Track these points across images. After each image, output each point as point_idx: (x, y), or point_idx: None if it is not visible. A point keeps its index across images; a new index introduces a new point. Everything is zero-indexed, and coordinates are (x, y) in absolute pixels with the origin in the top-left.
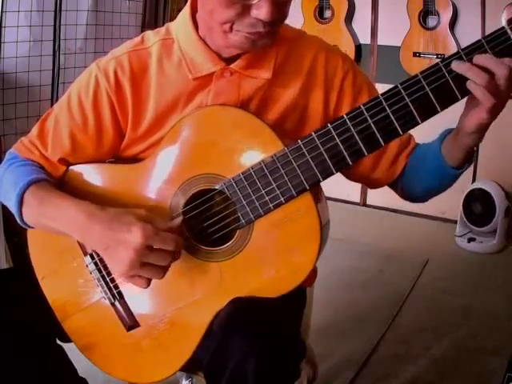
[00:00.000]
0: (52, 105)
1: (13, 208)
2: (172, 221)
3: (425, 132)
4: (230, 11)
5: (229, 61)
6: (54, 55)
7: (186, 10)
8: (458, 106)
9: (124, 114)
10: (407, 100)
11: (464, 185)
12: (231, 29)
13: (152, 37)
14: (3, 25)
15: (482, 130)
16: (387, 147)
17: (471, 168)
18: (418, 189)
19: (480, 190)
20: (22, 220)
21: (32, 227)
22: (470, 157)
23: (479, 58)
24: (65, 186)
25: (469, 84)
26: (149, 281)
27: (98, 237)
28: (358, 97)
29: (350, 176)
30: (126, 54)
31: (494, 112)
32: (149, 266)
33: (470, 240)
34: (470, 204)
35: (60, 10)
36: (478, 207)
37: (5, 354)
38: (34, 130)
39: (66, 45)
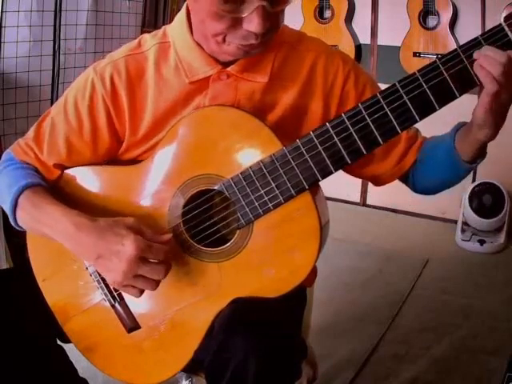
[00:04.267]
0: (52, 105)
1: (7, 211)
2: (161, 235)
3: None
4: (221, 24)
5: (225, 64)
6: (53, 55)
7: (183, 13)
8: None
9: (120, 119)
10: (405, 98)
11: (464, 185)
12: (224, 40)
13: (149, 40)
14: (3, 25)
15: (490, 119)
16: (396, 142)
17: None
18: (431, 183)
19: (488, 183)
20: (16, 223)
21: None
22: (482, 152)
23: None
24: (61, 188)
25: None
26: (141, 291)
27: (89, 247)
28: (362, 97)
29: (357, 173)
30: (123, 59)
31: (498, 97)
32: (142, 277)
33: (483, 242)
34: (478, 197)
35: (60, 10)
36: (488, 199)
37: (5, 355)
38: (31, 132)
39: (66, 45)
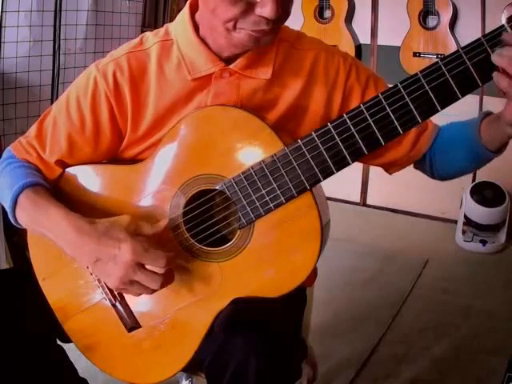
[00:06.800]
0: (52, 105)
1: (7, 209)
2: (157, 224)
3: None
4: (234, 9)
5: (228, 61)
6: (53, 55)
7: (186, 10)
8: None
9: (123, 116)
10: (407, 99)
11: (464, 185)
12: (235, 27)
13: (151, 38)
14: (3, 25)
15: None
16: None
17: None
18: (451, 170)
19: (488, 182)
20: (16, 221)
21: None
22: (508, 140)
23: None
24: (62, 187)
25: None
26: (140, 293)
27: (88, 251)
28: (366, 90)
29: (369, 162)
30: (124, 56)
31: None
32: (138, 283)
33: (485, 243)
34: (478, 191)
35: (60, 10)
36: (488, 192)
37: (5, 355)
38: (32, 131)
39: (66, 45)
